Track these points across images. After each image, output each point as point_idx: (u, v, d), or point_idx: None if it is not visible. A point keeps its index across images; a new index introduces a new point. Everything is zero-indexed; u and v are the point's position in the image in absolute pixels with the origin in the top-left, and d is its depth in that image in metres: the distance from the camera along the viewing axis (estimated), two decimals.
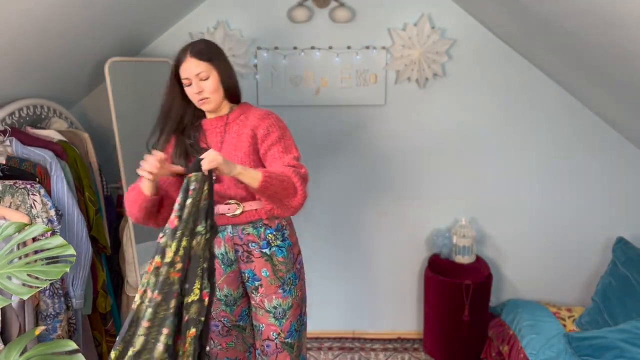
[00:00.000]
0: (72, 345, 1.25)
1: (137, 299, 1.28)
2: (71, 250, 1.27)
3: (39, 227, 1.32)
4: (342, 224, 2.83)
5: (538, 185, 2.71)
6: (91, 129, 2.67)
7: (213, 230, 1.40)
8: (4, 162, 1.87)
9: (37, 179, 1.89)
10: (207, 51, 1.62)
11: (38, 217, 1.79)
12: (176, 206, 1.33)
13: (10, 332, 1.65)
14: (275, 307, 1.71)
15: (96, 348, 2.24)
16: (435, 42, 2.50)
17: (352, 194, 2.79)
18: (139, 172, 1.44)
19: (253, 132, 1.64)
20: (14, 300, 1.62)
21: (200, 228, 1.35)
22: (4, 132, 1.93)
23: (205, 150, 1.49)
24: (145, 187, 1.50)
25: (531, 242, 2.78)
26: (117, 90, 2.34)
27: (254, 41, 2.58)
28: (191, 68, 1.59)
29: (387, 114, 2.67)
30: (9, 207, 1.76)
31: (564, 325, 2.45)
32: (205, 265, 1.36)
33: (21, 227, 1.32)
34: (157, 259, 1.29)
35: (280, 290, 1.71)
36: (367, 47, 2.56)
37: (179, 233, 1.31)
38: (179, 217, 1.32)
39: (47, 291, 1.81)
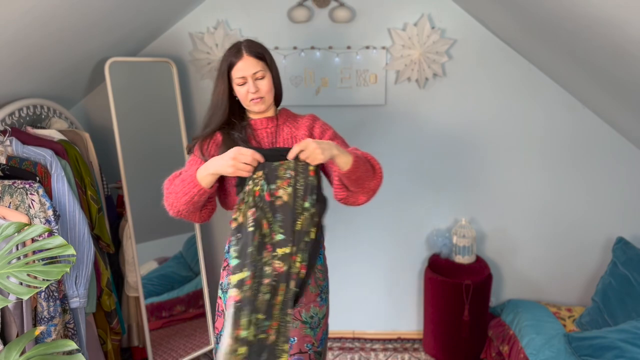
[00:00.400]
0: (72, 345, 1.25)
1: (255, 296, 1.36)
2: (71, 250, 1.27)
3: (39, 227, 1.32)
4: (341, 224, 2.83)
5: (538, 186, 2.71)
6: (91, 129, 2.67)
7: (320, 203, 1.46)
8: (4, 161, 1.87)
9: (38, 178, 1.88)
10: (261, 50, 1.59)
11: (36, 217, 1.79)
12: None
13: (10, 333, 1.65)
14: (312, 317, 1.66)
15: (101, 346, 2.23)
16: (435, 42, 2.50)
17: None
18: (239, 171, 1.38)
19: (309, 132, 1.64)
20: (12, 301, 1.62)
21: (307, 204, 1.42)
22: (4, 132, 1.93)
23: (256, 148, 1.48)
24: (208, 179, 1.44)
25: (531, 242, 2.79)
26: (117, 90, 2.34)
27: None
28: (249, 67, 1.55)
29: (387, 114, 2.67)
30: (9, 207, 1.76)
31: (564, 325, 2.45)
32: (307, 239, 1.43)
33: (21, 227, 1.32)
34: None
35: (319, 299, 1.67)
36: (367, 47, 2.56)
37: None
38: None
39: (43, 293, 1.79)
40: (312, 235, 1.45)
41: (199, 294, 2.68)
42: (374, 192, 1.58)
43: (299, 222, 1.42)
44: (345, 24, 2.54)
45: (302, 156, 1.40)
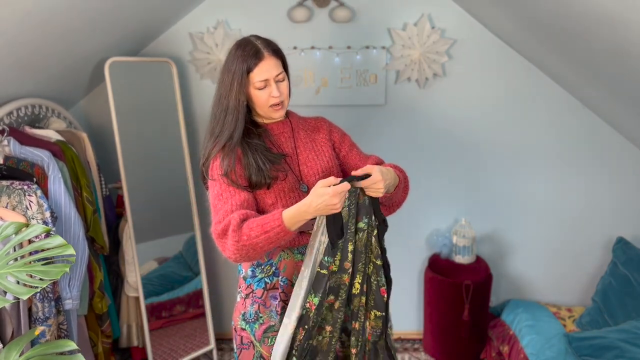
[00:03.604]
0: (72, 346, 1.24)
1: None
2: (71, 250, 1.26)
3: (38, 227, 1.31)
4: None
5: (538, 186, 2.71)
6: (91, 128, 2.67)
7: (382, 225, 1.41)
8: (1, 162, 1.87)
9: (35, 179, 1.88)
10: (278, 48, 1.45)
11: (33, 218, 1.78)
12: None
13: (6, 332, 1.64)
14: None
15: (92, 348, 2.23)
16: (435, 42, 2.50)
17: None
18: (337, 209, 1.25)
19: (329, 136, 1.59)
20: (11, 300, 1.61)
21: (361, 224, 1.37)
22: (1, 132, 1.93)
23: (281, 155, 1.44)
24: (300, 225, 1.29)
25: (531, 241, 2.78)
26: (117, 90, 2.34)
27: None
28: (272, 68, 1.41)
29: (387, 114, 2.67)
30: (6, 207, 1.75)
31: (564, 325, 2.45)
32: (378, 262, 1.40)
33: (21, 227, 1.31)
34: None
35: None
36: (367, 47, 2.56)
37: (340, 242, 1.34)
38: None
39: (38, 294, 1.77)
40: (379, 262, 1.40)
41: (199, 294, 2.68)
42: (399, 206, 1.56)
43: (351, 242, 1.36)
44: (345, 23, 2.54)
45: (364, 183, 1.31)
